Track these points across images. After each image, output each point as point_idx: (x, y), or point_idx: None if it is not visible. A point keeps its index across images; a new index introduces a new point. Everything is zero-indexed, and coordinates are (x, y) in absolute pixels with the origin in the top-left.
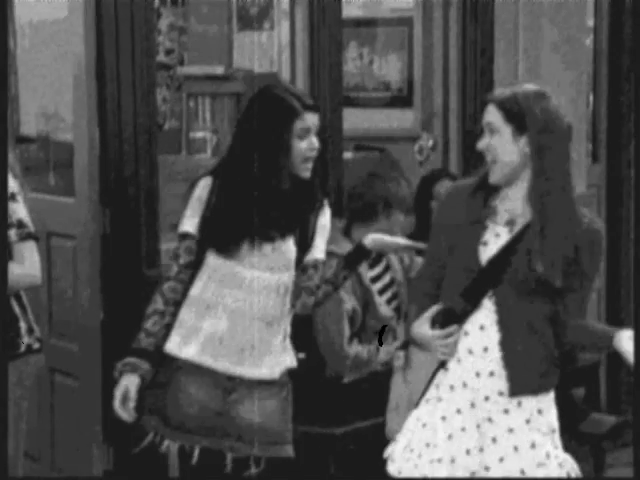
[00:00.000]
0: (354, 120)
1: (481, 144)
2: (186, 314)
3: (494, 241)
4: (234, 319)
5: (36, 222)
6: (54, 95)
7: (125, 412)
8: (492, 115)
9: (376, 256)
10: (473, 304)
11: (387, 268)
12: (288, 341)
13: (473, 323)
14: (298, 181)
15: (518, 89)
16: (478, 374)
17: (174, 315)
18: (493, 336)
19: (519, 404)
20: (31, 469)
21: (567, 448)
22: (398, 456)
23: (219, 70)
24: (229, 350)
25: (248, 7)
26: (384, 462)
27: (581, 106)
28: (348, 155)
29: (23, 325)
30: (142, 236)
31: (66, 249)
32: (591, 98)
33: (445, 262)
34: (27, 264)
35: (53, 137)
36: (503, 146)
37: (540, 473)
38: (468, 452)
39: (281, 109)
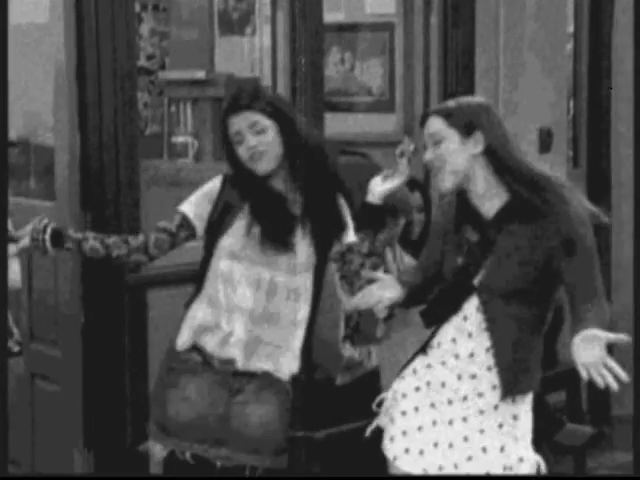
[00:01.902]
0: (336, 125)
1: (428, 155)
2: (200, 311)
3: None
4: (250, 320)
5: (17, 226)
6: (35, 99)
7: None
8: (435, 124)
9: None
10: (453, 308)
11: None
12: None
13: (461, 331)
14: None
15: (452, 100)
16: (460, 376)
17: (108, 248)
18: (482, 342)
19: (495, 407)
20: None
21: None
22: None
23: (200, 75)
24: (244, 346)
25: (230, 12)
26: (369, 464)
27: (562, 111)
28: None
29: None
30: None
31: None
32: (571, 103)
33: (438, 262)
34: (7, 268)
35: (34, 141)
36: (452, 151)
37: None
38: (436, 445)
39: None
